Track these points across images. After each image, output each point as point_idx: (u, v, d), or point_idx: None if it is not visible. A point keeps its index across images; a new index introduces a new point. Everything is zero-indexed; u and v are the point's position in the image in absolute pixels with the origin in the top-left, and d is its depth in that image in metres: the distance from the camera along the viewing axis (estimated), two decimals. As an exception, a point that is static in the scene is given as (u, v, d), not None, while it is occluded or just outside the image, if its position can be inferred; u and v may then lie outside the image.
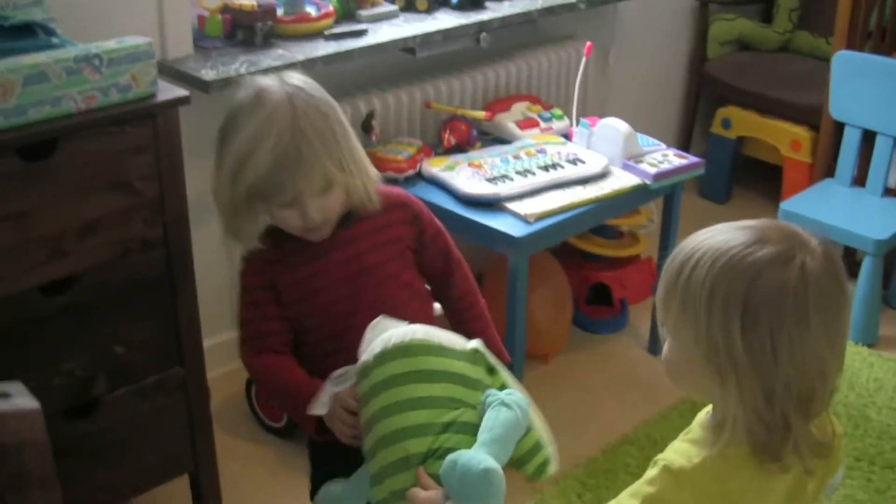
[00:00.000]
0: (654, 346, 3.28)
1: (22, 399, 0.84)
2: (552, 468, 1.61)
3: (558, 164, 2.88)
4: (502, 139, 3.13)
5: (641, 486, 1.36)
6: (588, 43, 3.05)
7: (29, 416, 0.82)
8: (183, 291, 2.19)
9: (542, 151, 2.95)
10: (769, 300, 1.24)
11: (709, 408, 1.42)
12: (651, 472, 1.36)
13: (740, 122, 4.09)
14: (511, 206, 2.68)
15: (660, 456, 1.37)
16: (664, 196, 3.04)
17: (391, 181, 2.61)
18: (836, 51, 3.45)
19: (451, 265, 1.96)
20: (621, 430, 2.90)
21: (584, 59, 3.05)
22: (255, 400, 2.87)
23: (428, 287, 1.98)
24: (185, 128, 2.10)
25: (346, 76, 3.04)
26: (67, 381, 2.07)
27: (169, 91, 2.06)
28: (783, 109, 3.93)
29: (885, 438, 2.84)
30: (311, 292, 1.82)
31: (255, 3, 2.77)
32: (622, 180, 2.86)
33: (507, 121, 3.16)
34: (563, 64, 3.51)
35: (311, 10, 2.88)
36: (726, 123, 4.13)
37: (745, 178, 4.34)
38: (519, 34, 3.32)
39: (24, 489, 0.82)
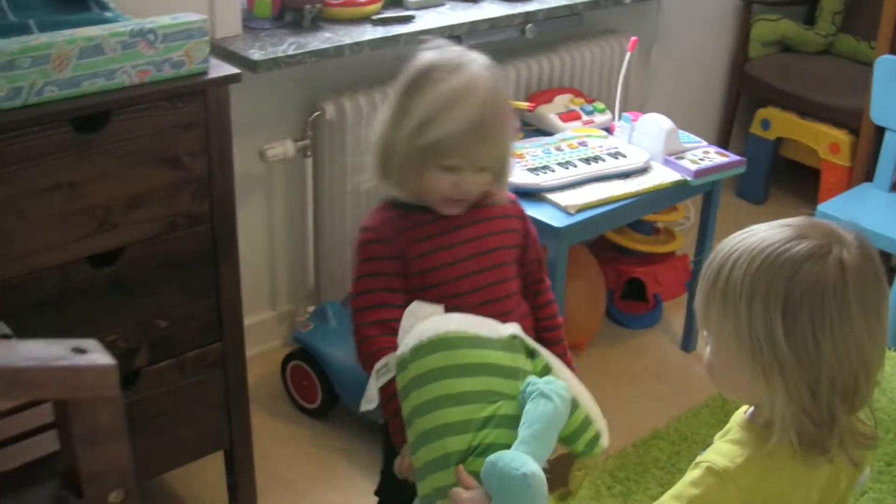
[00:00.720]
0: (686, 343, 3.28)
1: (98, 355, 0.86)
2: (604, 443, 1.61)
3: (600, 157, 2.88)
4: (544, 131, 3.13)
5: (685, 487, 1.36)
6: (633, 38, 3.05)
7: (105, 371, 0.84)
8: (226, 268, 2.21)
9: (583, 144, 2.96)
10: (809, 294, 1.25)
11: (745, 407, 1.43)
12: (694, 473, 1.36)
13: (780, 123, 4.08)
14: (552, 196, 2.68)
15: (702, 458, 1.38)
16: (703, 194, 3.04)
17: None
18: (880, 55, 3.43)
19: (542, 273, 2.00)
20: (651, 424, 2.90)
21: (628, 54, 3.05)
22: (290, 380, 2.89)
23: None
24: (233, 107, 2.12)
25: (393, 62, 3.04)
26: (111, 351, 2.08)
27: (220, 69, 2.07)
28: (823, 112, 3.92)
29: (917, 444, 2.83)
30: (437, 266, 1.81)
31: (304, -15, 2.79)
32: (663, 176, 2.86)
33: (550, 112, 3.17)
34: (607, 58, 3.51)
35: (359, -5, 2.89)
36: (766, 124, 4.11)
37: (783, 179, 4.33)
38: (564, 26, 3.31)
39: (96, 442, 0.84)
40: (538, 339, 1.92)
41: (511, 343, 1.60)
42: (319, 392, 2.83)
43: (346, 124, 2.88)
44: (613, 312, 3.42)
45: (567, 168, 2.80)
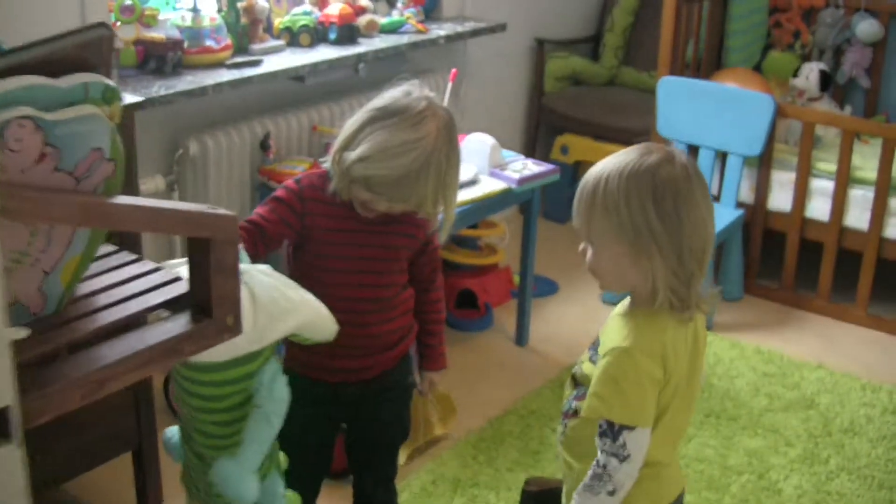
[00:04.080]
0: (520, 338, 3.72)
1: (224, 210, 1.20)
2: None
3: (436, 173, 3.29)
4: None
5: (606, 378, 1.76)
6: (453, 70, 3.50)
7: (233, 219, 1.19)
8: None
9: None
10: (668, 184, 1.72)
11: (612, 313, 1.87)
12: (603, 363, 1.77)
13: (577, 147, 4.62)
14: (402, 206, 3.07)
15: (603, 349, 1.79)
16: (524, 202, 3.51)
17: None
18: (661, 77, 4.01)
19: (435, 274, 2.35)
20: (501, 406, 3.31)
21: (449, 84, 3.49)
22: (172, 397, 3.14)
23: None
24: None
25: (245, 101, 3.40)
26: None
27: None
28: (615, 133, 4.47)
29: (726, 398, 3.35)
30: (332, 247, 2.16)
31: (164, 36, 3.11)
32: (491, 185, 3.31)
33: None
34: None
35: (211, 44, 3.23)
36: (564, 150, 4.64)
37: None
38: (391, 66, 3.74)
39: (223, 272, 1.18)
40: (422, 330, 2.36)
41: None
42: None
43: (209, 160, 3.21)
44: (450, 320, 3.82)
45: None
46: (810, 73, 4.15)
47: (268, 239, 2.14)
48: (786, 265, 4.02)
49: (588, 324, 3.84)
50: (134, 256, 1.47)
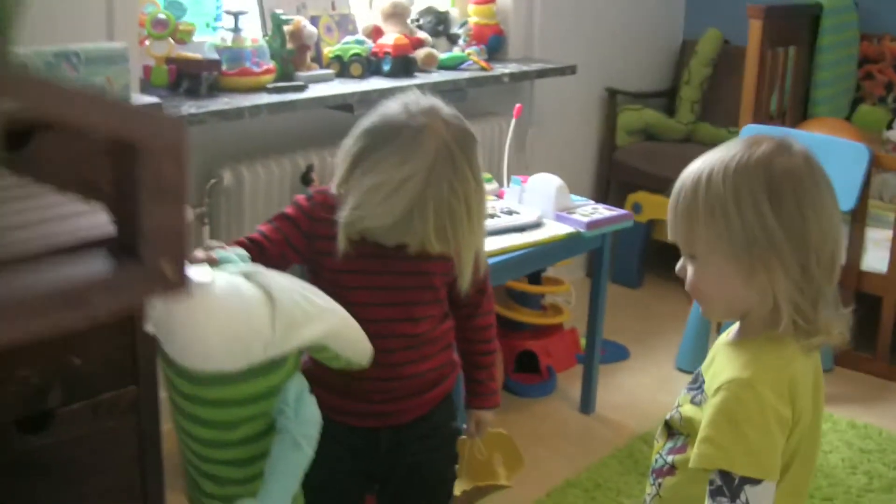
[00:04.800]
0: (585, 406, 3.33)
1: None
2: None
3: (494, 214, 2.96)
4: (436, 198, 3.21)
5: (720, 414, 1.40)
6: (518, 105, 3.18)
7: (180, 122, 0.84)
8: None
9: (476, 205, 3.04)
10: (787, 178, 1.40)
11: (723, 337, 1.52)
12: (719, 397, 1.41)
13: (650, 205, 4.27)
14: (455, 245, 2.74)
15: (714, 384, 1.43)
16: (594, 249, 3.15)
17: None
18: (743, 125, 3.66)
19: (480, 297, 2.00)
20: (563, 476, 2.91)
21: (513, 120, 3.18)
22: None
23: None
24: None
25: (287, 130, 3.11)
26: (23, 388, 2.01)
27: (142, 99, 2.09)
28: (692, 190, 4.10)
29: (819, 476, 2.92)
30: (350, 276, 1.84)
31: (199, 55, 2.84)
32: (557, 229, 2.96)
33: (439, 182, 3.25)
34: (488, 136, 3.65)
35: (251, 66, 2.95)
36: (637, 208, 4.29)
37: (656, 263, 4.49)
38: (449, 101, 3.43)
39: (161, 194, 0.83)
40: (468, 363, 2.01)
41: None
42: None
43: (244, 192, 2.90)
44: (509, 384, 3.45)
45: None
46: (906, 125, 3.78)
47: (267, 259, 1.77)
48: (881, 333, 3.58)
49: (662, 394, 3.44)
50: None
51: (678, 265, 1.50)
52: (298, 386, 1.55)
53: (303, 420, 1.54)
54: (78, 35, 2.46)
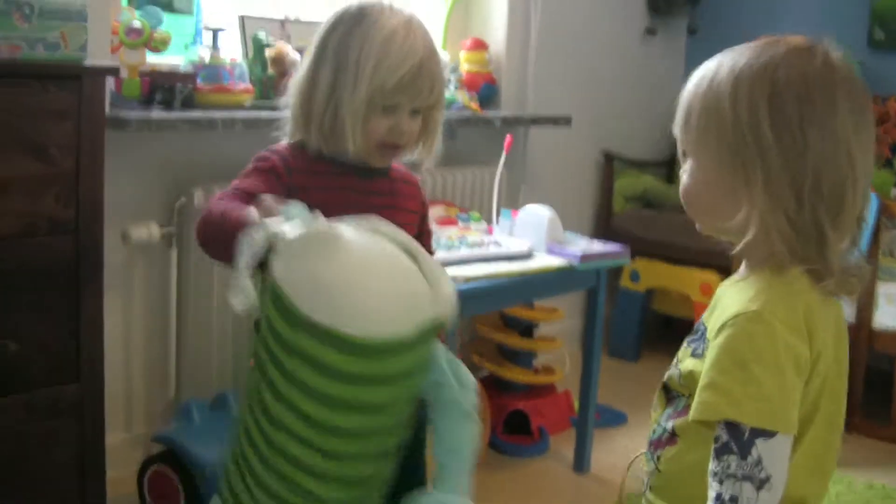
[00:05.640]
0: (579, 465, 3.08)
1: None
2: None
3: (483, 243, 2.79)
4: (421, 234, 3.04)
5: (726, 353, 1.21)
6: (508, 136, 3.03)
7: None
8: (89, 292, 1.99)
9: (463, 238, 2.87)
10: (795, 85, 1.22)
11: (720, 286, 1.34)
12: (726, 333, 1.22)
13: (649, 273, 4.09)
14: (438, 266, 2.56)
15: (718, 322, 1.24)
16: (587, 289, 2.96)
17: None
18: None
19: (430, 245, 1.89)
20: (556, 533, 2.67)
21: (503, 155, 3.03)
22: (150, 492, 2.56)
23: None
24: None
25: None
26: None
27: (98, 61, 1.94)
28: (691, 255, 3.93)
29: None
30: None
31: (174, 66, 2.70)
32: (548, 261, 2.78)
33: (425, 220, 3.09)
34: (478, 182, 3.51)
35: (229, 83, 2.81)
36: (635, 276, 4.12)
37: (656, 335, 4.29)
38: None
39: None
40: None
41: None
42: (183, 499, 2.51)
43: (217, 214, 2.73)
44: (499, 443, 3.22)
45: (450, 251, 2.70)
46: (915, 182, 3.63)
47: None
48: (895, 397, 3.36)
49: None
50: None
51: (681, 171, 1.32)
52: (445, 353, 1.38)
53: (466, 387, 1.38)
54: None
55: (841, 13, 4.03)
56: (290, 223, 1.30)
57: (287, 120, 1.75)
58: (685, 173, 1.31)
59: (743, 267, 1.32)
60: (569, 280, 2.85)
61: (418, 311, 1.30)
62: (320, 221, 1.31)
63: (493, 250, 2.74)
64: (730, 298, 1.28)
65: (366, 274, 1.28)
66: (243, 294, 1.27)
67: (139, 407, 2.79)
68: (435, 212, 3.15)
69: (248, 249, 1.28)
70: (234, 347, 2.80)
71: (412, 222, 1.80)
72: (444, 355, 1.39)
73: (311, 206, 1.55)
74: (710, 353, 1.23)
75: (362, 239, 1.34)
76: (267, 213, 1.37)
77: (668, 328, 4.26)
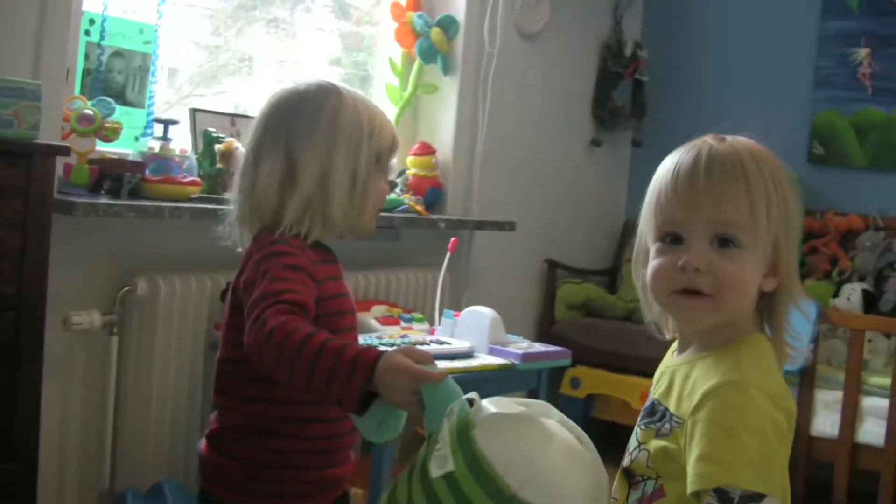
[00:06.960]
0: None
1: None
2: None
3: (424, 342, 2.80)
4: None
5: (712, 425, 1.23)
6: (453, 238, 3.07)
7: None
8: (28, 373, 1.97)
9: (405, 336, 2.88)
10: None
11: (663, 367, 1.40)
12: (709, 406, 1.24)
13: (590, 380, 4.10)
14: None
15: (692, 400, 1.26)
16: (529, 390, 2.97)
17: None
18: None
19: None
20: None
21: (447, 254, 3.06)
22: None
23: None
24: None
25: (210, 246, 2.95)
26: None
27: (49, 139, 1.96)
28: (633, 363, 3.94)
29: None
30: (336, 295, 1.69)
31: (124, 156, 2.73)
32: (490, 360, 2.80)
33: (369, 318, 3.10)
34: (421, 284, 3.53)
35: (177, 175, 2.83)
36: (576, 383, 4.13)
37: (597, 443, 4.27)
38: (381, 238, 3.33)
39: None
40: None
41: None
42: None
43: (159, 304, 2.72)
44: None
45: (392, 348, 2.70)
46: (852, 294, 3.72)
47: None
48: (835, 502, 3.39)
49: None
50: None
51: (689, 255, 1.30)
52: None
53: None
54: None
55: (782, 127, 4.16)
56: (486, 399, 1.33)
57: (250, 214, 1.73)
58: (725, 260, 1.29)
59: (695, 347, 1.35)
60: (511, 379, 2.86)
61: (601, 502, 1.33)
62: (524, 406, 1.34)
63: (434, 348, 2.75)
64: (700, 374, 1.29)
65: (575, 462, 1.31)
66: (448, 464, 1.27)
67: (72, 494, 2.74)
68: (377, 311, 3.17)
69: (445, 418, 1.30)
70: (171, 438, 2.77)
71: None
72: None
73: (328, 297, 1.60)
74: (697, 428, 1.24)
75: (554, 426, 1.35)
76: (420, 360, 1.40)
77: (611, 435, 4.25)
